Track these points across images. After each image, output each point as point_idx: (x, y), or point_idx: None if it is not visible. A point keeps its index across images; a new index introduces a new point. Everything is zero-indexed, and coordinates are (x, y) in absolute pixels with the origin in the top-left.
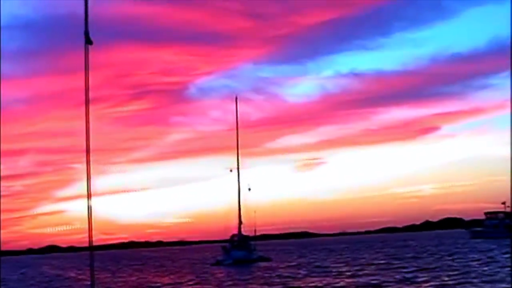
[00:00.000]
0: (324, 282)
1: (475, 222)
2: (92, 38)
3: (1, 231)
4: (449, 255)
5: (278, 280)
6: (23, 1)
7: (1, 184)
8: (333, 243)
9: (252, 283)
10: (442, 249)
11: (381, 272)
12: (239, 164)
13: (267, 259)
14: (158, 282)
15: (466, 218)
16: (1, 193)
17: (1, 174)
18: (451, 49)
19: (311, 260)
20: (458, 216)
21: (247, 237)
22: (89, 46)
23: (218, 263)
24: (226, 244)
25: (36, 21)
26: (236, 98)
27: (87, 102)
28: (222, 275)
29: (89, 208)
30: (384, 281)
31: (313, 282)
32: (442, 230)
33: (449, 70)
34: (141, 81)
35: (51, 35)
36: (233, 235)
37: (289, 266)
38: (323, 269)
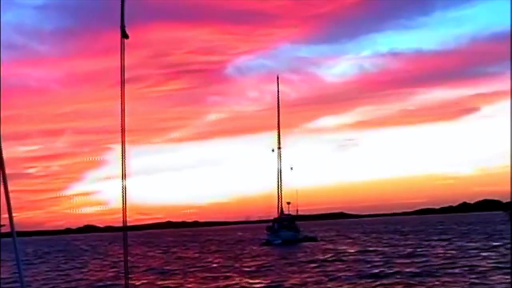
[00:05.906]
0: None
1: None
2: (128, 17)
3: (39, 211)
4: None
5: None
6: None
7: (39, 165)
8: (369, 224)
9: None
10: None
11: None
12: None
13: (314, 239)
14: (219, 263)
15: (504, 200)
16: (39, 174)
17: (40, 154)
18: (492, 28)
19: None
20: (495, 198)
21: (294, 217)
22: (125, 40)
23: (267, 243)
24: (274, 224)
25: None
26: (278, 78)
27: (122, 95)
28: (291, 256)
29: (124, 189)
30: None
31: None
32: (480, 212)
33: (490, 49)
34: (179, 61)
35: (86, 14)
36: (280, 216)
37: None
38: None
